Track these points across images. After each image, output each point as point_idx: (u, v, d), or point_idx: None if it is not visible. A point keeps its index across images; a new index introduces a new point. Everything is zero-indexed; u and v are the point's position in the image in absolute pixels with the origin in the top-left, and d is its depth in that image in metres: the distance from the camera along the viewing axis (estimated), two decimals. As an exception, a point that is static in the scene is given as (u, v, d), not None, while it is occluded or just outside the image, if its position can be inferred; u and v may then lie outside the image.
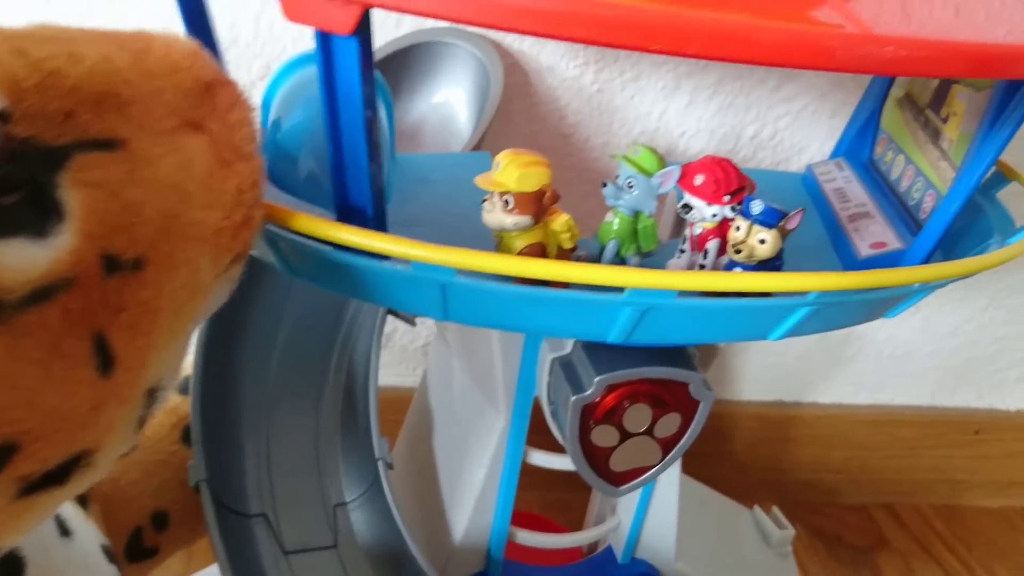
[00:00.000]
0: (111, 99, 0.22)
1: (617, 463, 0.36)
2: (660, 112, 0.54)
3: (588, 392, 0.34)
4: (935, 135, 0.37)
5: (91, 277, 0.21)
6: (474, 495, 0.41)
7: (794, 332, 0.30)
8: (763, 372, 0.71)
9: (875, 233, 0.37)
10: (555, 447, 0.41)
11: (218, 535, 0.38)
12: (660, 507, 0.45)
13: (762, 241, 0.29)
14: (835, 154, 0.46)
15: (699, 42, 0.21)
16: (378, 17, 0.48)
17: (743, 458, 0.74)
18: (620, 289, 0.26)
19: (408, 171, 0.39)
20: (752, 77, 0.54)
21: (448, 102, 0.47)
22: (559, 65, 0.51)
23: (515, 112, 0.52)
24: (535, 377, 0.38)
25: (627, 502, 0.46)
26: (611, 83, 0.53)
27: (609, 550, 0.48)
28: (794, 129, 0.57)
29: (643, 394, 0.35)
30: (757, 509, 0.57)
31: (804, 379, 0.73)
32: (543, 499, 0.65)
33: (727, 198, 0.31)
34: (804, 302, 0.28)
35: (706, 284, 0.26)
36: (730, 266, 0.31)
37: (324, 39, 0.24)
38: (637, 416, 0.35)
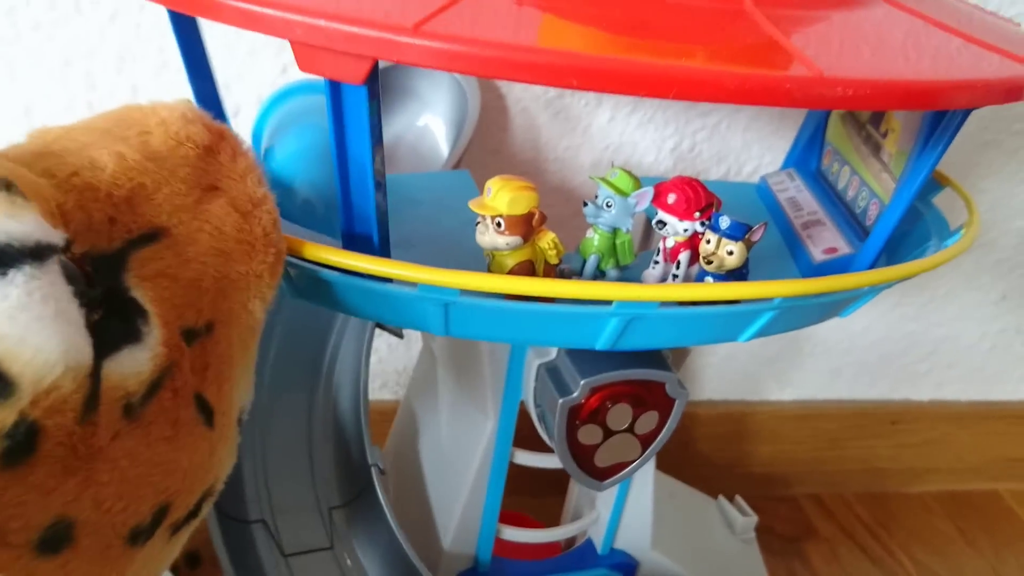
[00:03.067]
0: (140, 193, 0.24)
1: (601, 459, 0.39)
2: (584, 127, 0.57)
3: (574, 395, 0.37)
4: (876, 148, 0.41)
5: (181, 354, 0.23)
6: (464, 495, 0.44)
7: (762, 333, 0.34)
8: (696, 373, 0.74)
9: (827, 239, 0.41)
10: (537, 447, 0.43)
11: (221, 541, 0.40)
12: (636, 500, 0.49)
13: (730, 253, 0.32)
14: (785, 164, 0.50)
15: (678, 88, 0.23)
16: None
17: (682, 456, 0.77)
18: (607, 302, 0.29)
19: (393, 191, 0.41)
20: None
21: (425, 121, 0.49)
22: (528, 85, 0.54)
23: (487, 128, 0.55)
24: (521, 382, 0.40)
25: (606, 496, 0.49)
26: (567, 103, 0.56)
27: (589, 542, 0.51)
28: (712, 142, 0.60)
29: (624, 394, 0.38)
30: (721, 499, 0.61)
31: (733, 380, 0.76)
32: (518, 504, 0.68)
33: (697, 214, 0.34)
34: (770, 306, 0.31)
35: (685, 295, 0.29)
36: (701, 275, 0.34)
37: (335, 86, 0.26)
38: (619, 415, 0.38)
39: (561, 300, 0.30)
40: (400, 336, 0.44)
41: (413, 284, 0.29)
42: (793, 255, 0.41)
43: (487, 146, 0.56)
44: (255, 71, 0.49)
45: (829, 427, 0.79)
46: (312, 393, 0.46)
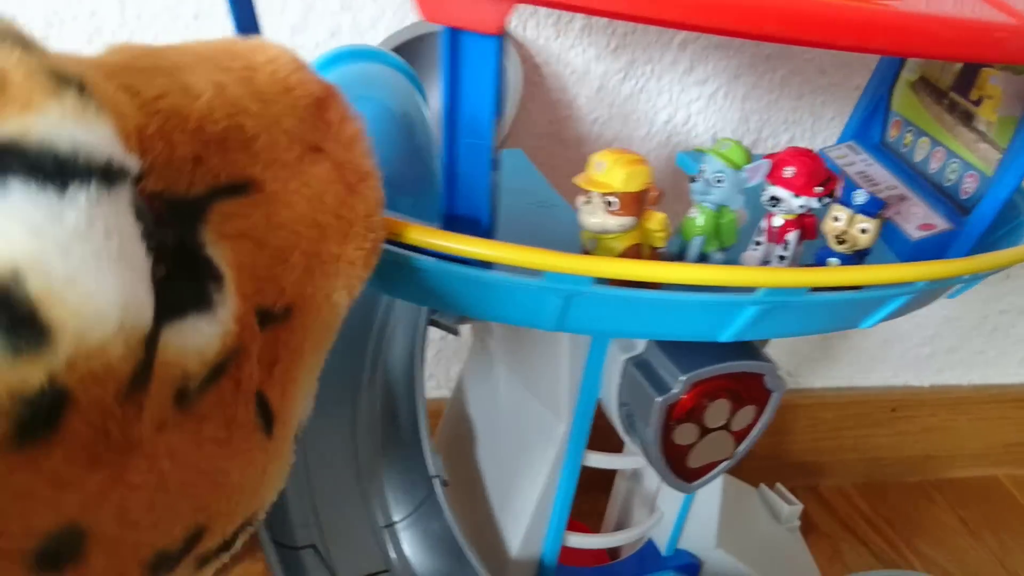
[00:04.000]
0: (236, 135, 0.19)
1: (695, 460, 0.36)
2: (570, 99, 0.52)
3: (674, 391, 0.33)
4: (966, 117, 0.38)
5: (252, 338, 0.19)
6: (533, 503, 0.40)
7: (885, 319, 0.31)
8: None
9: (918, 215, 0.38)
10: (600, 446, 0.40)
11: (280, 571, 0.35)
12: (704, 497, 0.46)
13: (863, 231, 0.29)
14: (843, 138, 0.47)
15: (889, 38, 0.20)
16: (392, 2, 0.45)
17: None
18: (749, 288, 0.26)
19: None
20: (663, 60, 0.52)
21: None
22: (570, 57, 0.50)
23: (530, 105, 0.50)
24: (599, 379, 0.37)
25: (669, 495, 0.46)
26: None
27: (650, 544, 0.48)
28: (708, 113, 0.55)
29: (723, 389, 0.34)
30: (763, 487, 0.59)
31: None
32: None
33: (819, 188, 0.30)
34: (911, 290, 0.29)
35: (847, 279, 0.26)
36: (823, 255, 0.31)
37: (455, 39, 0.22)
38: (717, 411, 0.35)
39: (683, 287, 0.27)
40: (456, 333, 0.40)
41: (535, 272, 0.25)
42: (882, 234, 0.39)
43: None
44: (306, 33, 0.45)
45: (827, 416, 0.77)
46: (355, 401, 0.41)
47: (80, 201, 0.14)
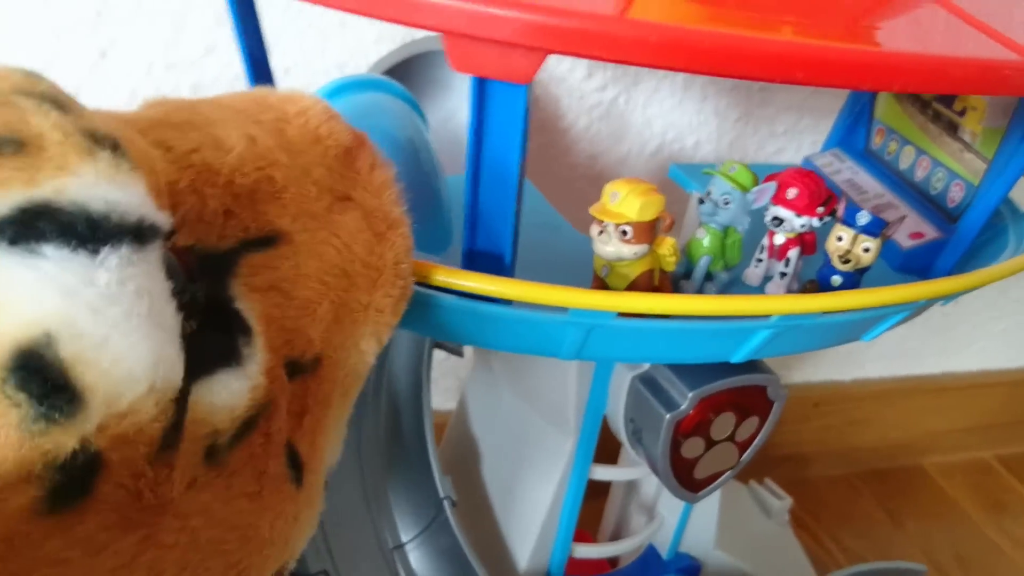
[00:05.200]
0: (266, 187, 0.20)
1: (701, 471, 0.37)
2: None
3: (682, 407, 0.34)
4: (951, 127, 0.39)
5: (282, 391, 0.19)
6: (540, 518, 0.40)
7: (889, 329, 0.32)
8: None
9: (908, 224, 0.39)
10: (603, 459, 0.41)
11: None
12: (703, 500, 0.47)
13: (866, 250, 0.30)
14: (827, 146, 0.48)
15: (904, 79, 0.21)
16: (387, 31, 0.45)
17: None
18: (763, 316, 0.27)
19: (451, 195, 0.37)
20: (645, 73, 0.51)
21: (457, 116, 0.45)
22: (563, 75, 0.50)
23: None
24: (606, 397, 0.37)
25: (668, 500, 0.47)
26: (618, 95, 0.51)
27: (651, 549, 0.49)
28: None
29: (728, 403, 0.35)
30: (753, 483, 0.60)
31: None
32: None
33: (820, 209, 0.31)
34: (912, 307, 0.30)
35: (855, 302, 0.27)
36: (826, 273, 0.32)
37: (483, 87, 0.22)
38: (723, 424, 0.36)
39: (698, 316, 0.27)
40: (460, 355, 0.40)
41: (560, 308, 0.25)
42: (873, 242, 0.40)
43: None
44: (307, 65, 0.44)
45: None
46: (360, 424, 0.41)
47: (112, 262, 0.14)
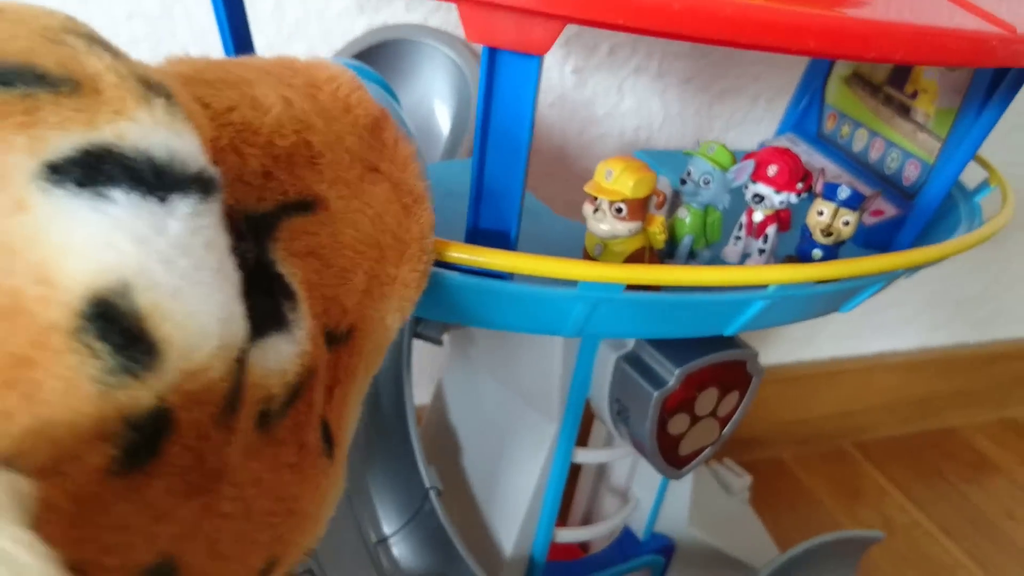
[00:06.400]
0: (303, 151, 0.19)
1: (685, 447, 0.38)
2: None
3: (669, 384, 0.34)
4: (903, 110, 0.41)
5: (322, 359, 0.18)
6: (525, 503, 0.40)
7: (864, 300, 0.33)
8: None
9: (868, 202, 0.41)
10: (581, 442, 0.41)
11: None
12: (677, 481, 0.47)
13: (846, 223, 0.31)
14: (781, 131, 0.50)
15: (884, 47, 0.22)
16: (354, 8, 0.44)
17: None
18: (759, 286, 0.27)
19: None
20: (602, 54, 0.52)
21: (424, 103, 0.44)
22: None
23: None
24: (590, 379, 0.38)
25: (644, 481, 0.48)
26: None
27: (627, 532, 0.49)
28: (655, 115, 0.56)
29: (711, 379, 0.36)
30: (713, 463, 0.62)
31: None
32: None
33: (799, 185, 0.32)
34: (892, 276, 0.31)
35: (845, 271, 0.28)
36: (806, 248, 0.33)
37: (494, 58, 0.22)
38: (706, 400, 0.36)
39: (698, 288, 0.28)
40: (440, 343, 0.40)
41: (568, 282, 0.25)
42: (836, 220, 0.41)
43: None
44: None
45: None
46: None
47: (181, 211, 0.13)
